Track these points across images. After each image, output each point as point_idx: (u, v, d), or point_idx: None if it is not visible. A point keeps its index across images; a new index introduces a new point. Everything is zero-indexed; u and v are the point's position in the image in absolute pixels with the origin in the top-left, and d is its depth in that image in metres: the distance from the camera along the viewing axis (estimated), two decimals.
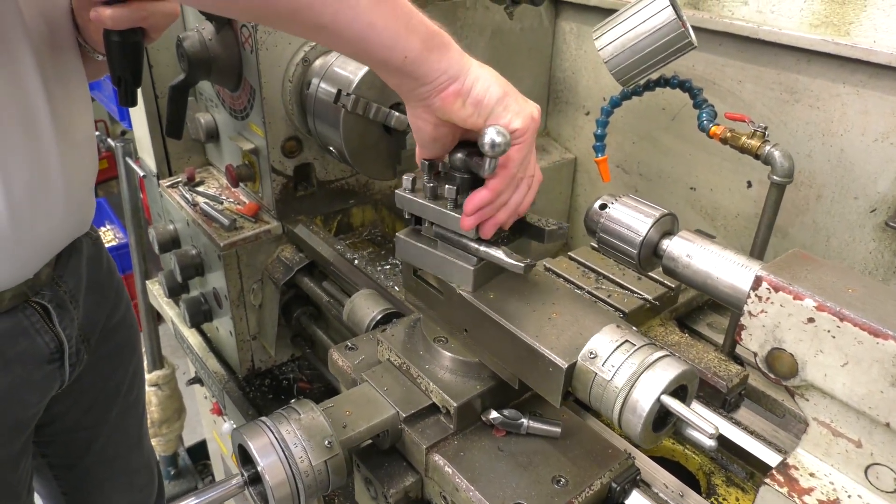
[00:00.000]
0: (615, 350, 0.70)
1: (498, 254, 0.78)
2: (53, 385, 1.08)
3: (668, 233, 0.81)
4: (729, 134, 1.00)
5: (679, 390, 0.69)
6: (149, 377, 2.05)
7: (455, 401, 0.82)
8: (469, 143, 0.79)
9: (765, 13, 1.34)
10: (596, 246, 0.86)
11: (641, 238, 0.79)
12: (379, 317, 1.07)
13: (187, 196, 1.52)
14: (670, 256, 0.78)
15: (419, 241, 0.87)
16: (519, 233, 0.86)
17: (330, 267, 1.30)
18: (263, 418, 0.79)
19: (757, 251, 1.03)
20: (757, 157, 0.97)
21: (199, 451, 2.58)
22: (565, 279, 1.07)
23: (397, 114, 1.15)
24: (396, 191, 0.87)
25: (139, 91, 1.35)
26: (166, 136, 1.42)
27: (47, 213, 0.94)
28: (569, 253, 1.14)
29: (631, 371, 0.68)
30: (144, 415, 1.44)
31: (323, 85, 1.20)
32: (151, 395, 2.07)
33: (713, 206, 1.50)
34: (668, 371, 0.67)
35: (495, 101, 0.74)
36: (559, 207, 1.82)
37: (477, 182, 0.79)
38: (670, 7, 0.98)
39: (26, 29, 0.88)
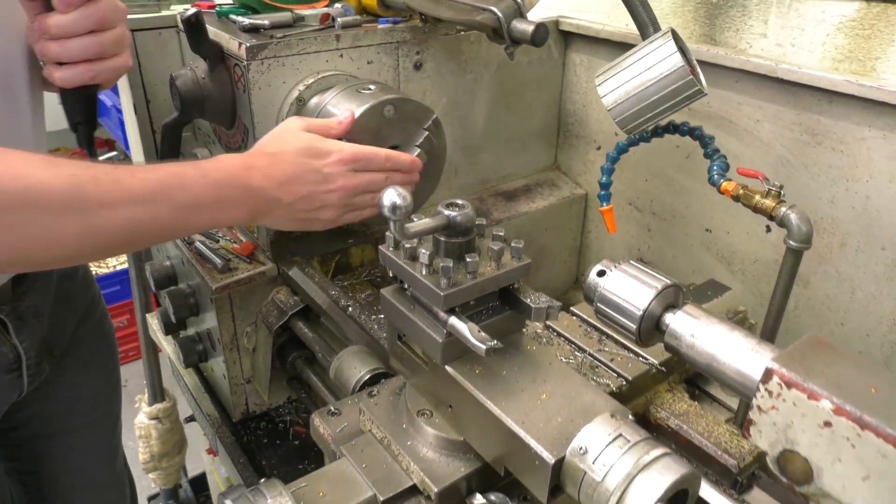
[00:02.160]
0: (608, 445, 0.63)
1: (463, 330, 0.72)
2: (12, 393, 1.10)
3: (672, 306, 0.74)
4: (741, 191, 0.93)
5: (680, 494, 0.62)
6: (149, 410, 2.00)
7: (436, 485, 0.75)
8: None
9: (784, 46, 1.26)
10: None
11: (641, 312, 0.73)
12: (367, 377, 1.01)
13: None
14: (673, 334, 0.71)
15: (402, 302, 0.81)
16: (507, 305, 0.80)
17: (322, 313, 1.25)
18: (227, 501, 0.73)
19: (772, 319, 0.95)
20: (771, 218, 0.90)
21: (203, 483, 2.53)
22: (566, 338, 1.01)
23: None
24: (380, 247, 0.82)
25: (135, 122, 1.32)
26: None
27: None
28: (571, 308, 1.07)
29: (625, 472, 0.61)
30: (118, 430, 1.43)
31: None
32: (151, 429, 2.02)
33: (730, 249, 1.42)
34: (666, 475, 0.60)
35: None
36: (569, 244, 1.75)
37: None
38: (678, 53, 0.91)
39: None
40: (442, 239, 0.76)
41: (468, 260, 0.73)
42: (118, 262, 3.31)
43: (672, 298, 0.74)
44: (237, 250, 1.42)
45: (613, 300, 0.75)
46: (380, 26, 1.30)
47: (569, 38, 1.60)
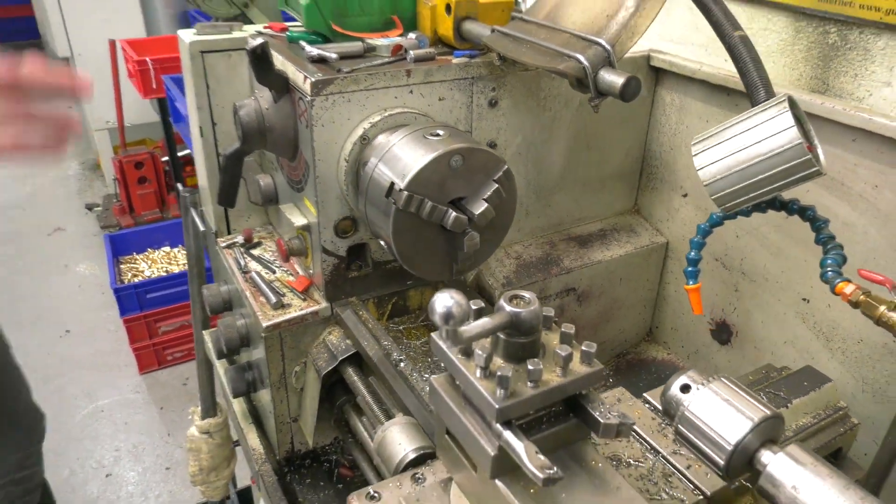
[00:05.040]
0: None
1: (519, 449, 0.62)
2: None
3: (771, 441, 0.62)
4: (862, 297, 0.79)
5: None
6: (200, 424, 1.99)
7: None
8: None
9: None
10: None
11: (733, 447, 0.61)
12: (412, 456, 0.92)
13: (241, 260, 1.44)
14: (771, 479, 0.60)
15: (452, 397, 0.72)
16: (573, 412, 0.70)
17: (369, 362, 1.17)
18: None
19: (882, 465, 0.81)
20: None
21: (250, 498, 2.52)
22: (636, 435, 0.89)
23: (455, 213, 1.01)
24: (432, 334, 0.73)
25: (201, 144, 1.29)
26: (219, 204, 1.34)
27: None
28: (645, 395, 0.96)
29: None
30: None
31: (380, 168, 1.07)
32: (202, 443, 2.01)
33: (830, 323, 1.26)
34: None
35: None
36: (645, 295, 1.61)
37: None
38: (795, 126, 0.78)
39: None
40: (502, 337, 0.66)
41: (531, 367, 0.63)
42: (180, 265, 3.36)
43: (771, 432, 0.62)
44: (292, 284, 1.36)
45: (699, 425, 0.64)
46: (454, 60, 1.21)
47: (660, 74, 1.47)
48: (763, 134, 0.79)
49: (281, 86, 1.17)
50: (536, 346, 0.68)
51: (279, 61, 1.19)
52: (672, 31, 1.50)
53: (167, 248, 3.49)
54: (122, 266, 3.31)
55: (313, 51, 1.18)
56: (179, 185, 1.87)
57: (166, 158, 4.08)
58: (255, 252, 1.49)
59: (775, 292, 1.34)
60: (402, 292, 1.37)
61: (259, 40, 1.11)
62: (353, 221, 1.25)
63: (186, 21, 3.71)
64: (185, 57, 1.36)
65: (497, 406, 0.62)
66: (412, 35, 1.26)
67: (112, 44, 3.70)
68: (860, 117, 1.10)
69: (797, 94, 1.22)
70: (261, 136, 1.21)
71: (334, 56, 1.15)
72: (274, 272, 1.41)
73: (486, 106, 1.27)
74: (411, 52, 1.20)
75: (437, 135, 1.05)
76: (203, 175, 1.51)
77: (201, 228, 1.63)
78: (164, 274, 3.25)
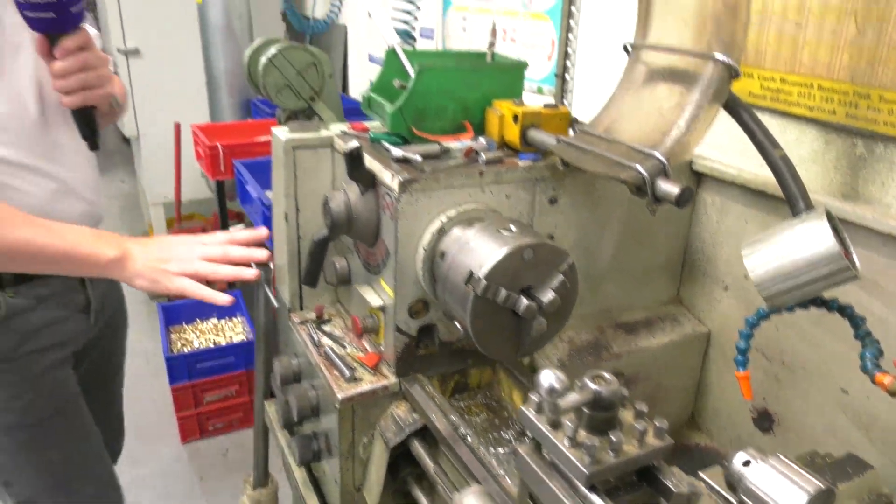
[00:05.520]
0: None
1: None
2: (84, 327, 1.62)
3: None
4: None
5: None
6: (252, 494, 2.06)
7: None
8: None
9: None
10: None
11: None
12: None
13: (314, 336, 1.56)
14: None
15: (539, 465, 0.82)
16: (645, 481, 0.79)
17: (438, 437, 1.27)
18: None
19: None
20: None
21: None
22: None
23: (527, 301, 1.13)
24: (521, 407, 0.84)
25: (284, 228, 1.46)
26: (303, 284, 1.48)
27: (70, 211, 1.48)
28: (700, 473, 1.04)
29: None
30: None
31: (459, 258, 1.20)
32: None
33: (870, 414, 1.34)
34: None
35: None
36: (686, 384, 1.70)
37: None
38: (833, 237, 0.90)
39: (38, 96, 1.39)
40: (586, 411, 0.77)
41: (613, 439, 0.74)
42: (235, 334, 3.49)
43: None
44: (362, 359, 1.48)
45: (761, 497, 0.73)
46: (520, 163, 1.37)
47: (702, 178, 1.62)
48: (805, 243, 0.91)
49: (369, 181, 1.33)
50: (615, 421, 0.79)
51: (367, 160, 1.35)
52: (711, 137, 1.65)
53: (215, 320, 3.64)
54: (171, 335, 3.46)
55: (398, 152, 1.34)
56: (254, 263, 2.03)
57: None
58: (326, 328, 1.61)
59: (815, 383, 1.43)
60: (464, 370, 1.48)
61: (354, 143, 1.28)
62: (425, 304, 1.37)
63: (248, 109, 4.00)
64: (279, 151, 1.54)
65: (587, 472, 0.72)
66: (482, 139, 1.42)
67: (177, 126, 4.00)
68: (888, 224, 1.22)
69: (829, 200, 1.35)
70: (347, 225, 1.36)
71: (418, 158, 1.31)
72: (344, 347, 1.53)
73: (547, 203, 1.42)
74: (482, 154, 1.36)
75: (510, 230, 1.19)
76: (283, 256, 1.66)
77: (275, 304, 1.77)
78: (213, 345, 3.38)
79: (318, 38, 4.08)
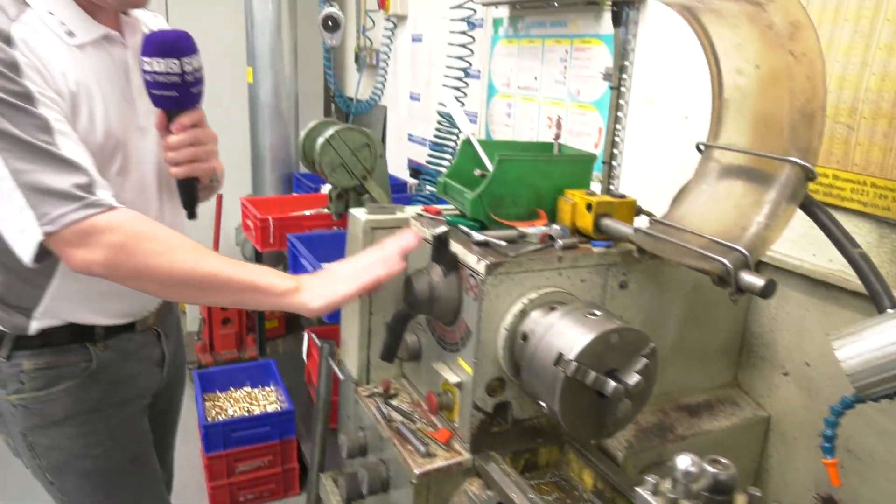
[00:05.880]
0: None
1: None
2: (158, 380, 1.70)
3: None
4: None
5: None
6: None
7: None
8: None
9: None
10: None
11: None
12: None
13: (383, 409, 1.61)
14: None
15: None
16: None
17: None
18: None
19: None
20: None
21: None
22: None
23: (614, 384, 1.18)
24: (637, 489, 0.88)
25: (355, 304, 1.65)
26: (381, 360, 1.54)
27: None
28: None
29: None
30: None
31: (546, 340, 1.26)
32: None
33: None
34: None
35: None
36: (746, 467, 1.72)
37: None
38: None
39: (157, 174, 1.50)
40: (705, 494, 0.82)
41: None
42: (268, 403, 3.51)
43: None
44: (434, 435, 1.51)
45: None
46: (595, 250, 1.44)
47: (759, 265, 1.68)
48: (893, 338, 0.97)
49: (452, 264, 1.41)
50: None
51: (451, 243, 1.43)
52: None
53: (248, 388, 3.66)
54: (206, 403, 3.48)
55: (479, 236, 1.42)
56: (313, 335, 2.09)
57: None
58: (394, 402, 1.66)
59: (883, 472, 1.45)
60: (534, 449, 1.51)
61: (443, 228, 1.37)
62: (502, 382, 1.42)
63: (290, 183, 4.15)
64: (358, 231, 1.63)
65: None
66: (556, 226, 1.50)
67: (219, 197, 4.14)
68: None
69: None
70: (429, 304, 1.43)
71: (501, 243, 1.39)
72: (414, 422, 1.57)
73: (617, 287, 1.48)
74: (559, 240, 1.44)
75: (595, 315, 1.25)
76: (353, 330, 1.72)
77: (341, 376, 1.82)
78: (246, 414, 3.39)
79: (359, 118, 4.26)
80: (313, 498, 2.04)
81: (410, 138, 3.98)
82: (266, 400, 3.59)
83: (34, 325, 1.44)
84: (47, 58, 1.23)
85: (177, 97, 1.32)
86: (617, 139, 2.35)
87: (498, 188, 1.51)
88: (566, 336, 1.23)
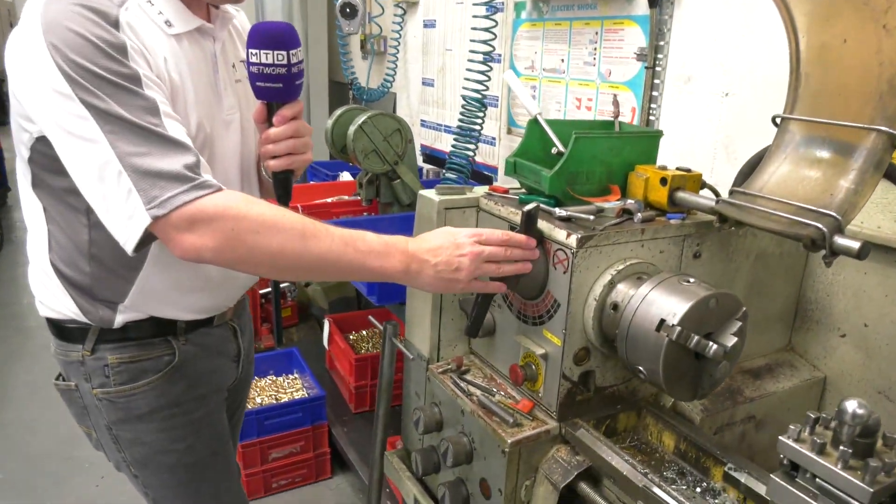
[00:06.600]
0: None
1: None
2: (234, 376, 1.73)
3: None
4: None
5: None
6: None
7: None
8: None
9: None
10: None
11: None
12: None
13: (461, 384, 1.65)
14: None
15: (797, 488, 0.92)
16: None
17: (619, 478, 1.35)
18: None
19: None
20: None
21: None
22: None
23: (715, 345, 1.24)
24: (780, 437, 0.93)
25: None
26: (466, 335, 1.58)
27: (242, 276, 1.58)
28: None
29: None
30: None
31: (643, 307, 1.31)
32: None
33: None
34: None
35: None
36: None
37: None
38: None
39: (239, 168, 1.53)
40: (858, 440, 0.87)
41: (885, 460, 0.84)
42: (295, 390, 3.54)
43: None
44: (516, 406, 1.56)
45: None
46: (672, 221, 1.50)
47: None
48: None
49: (539, 239, 1.45)
50: (873, 448, 0.89)
51: None
52: None
53: (272, 377, 3.68)
54: None
55: (562, 212, 1.46)
56: (372, 318, 2.12)
57: (264, 291, 4.37)
58: (468, 377, 1.70)
59: None
60: (614, 415, 1.57)
61: (533, 204, 1.41)
62: (587, 351, 1.48)
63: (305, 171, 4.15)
64: (430, 211, 1.66)
65: (871, 490, 0.82)
66: (630, 201, 1.55)
67: None
68: None
69: None
70: (515, 280, 1.47)
71: (589, 217, 1.44)
72: (493, 395, 1.62)
73: (692, 257, 1.54)
74: (637, 214, 1.49)
75: (689, 281, 1.30)
76: (424, 309, 1.76)
77: (409, 355, 1.86)
78: (274, 402, 3.41)
79: (370, 105, 4.27)
80: (377, 476, 2.07)
81: (423, 124, 4.00)
82: (292, 387, 3.62)
83: (119, 319, 1.45)
84: (150, 44, 1.24)
85: (281, 89, 1.33)
86: (652, 118, 2.41)
87: (574, 165, 1.55)
88: (666, 303, 1.28)
